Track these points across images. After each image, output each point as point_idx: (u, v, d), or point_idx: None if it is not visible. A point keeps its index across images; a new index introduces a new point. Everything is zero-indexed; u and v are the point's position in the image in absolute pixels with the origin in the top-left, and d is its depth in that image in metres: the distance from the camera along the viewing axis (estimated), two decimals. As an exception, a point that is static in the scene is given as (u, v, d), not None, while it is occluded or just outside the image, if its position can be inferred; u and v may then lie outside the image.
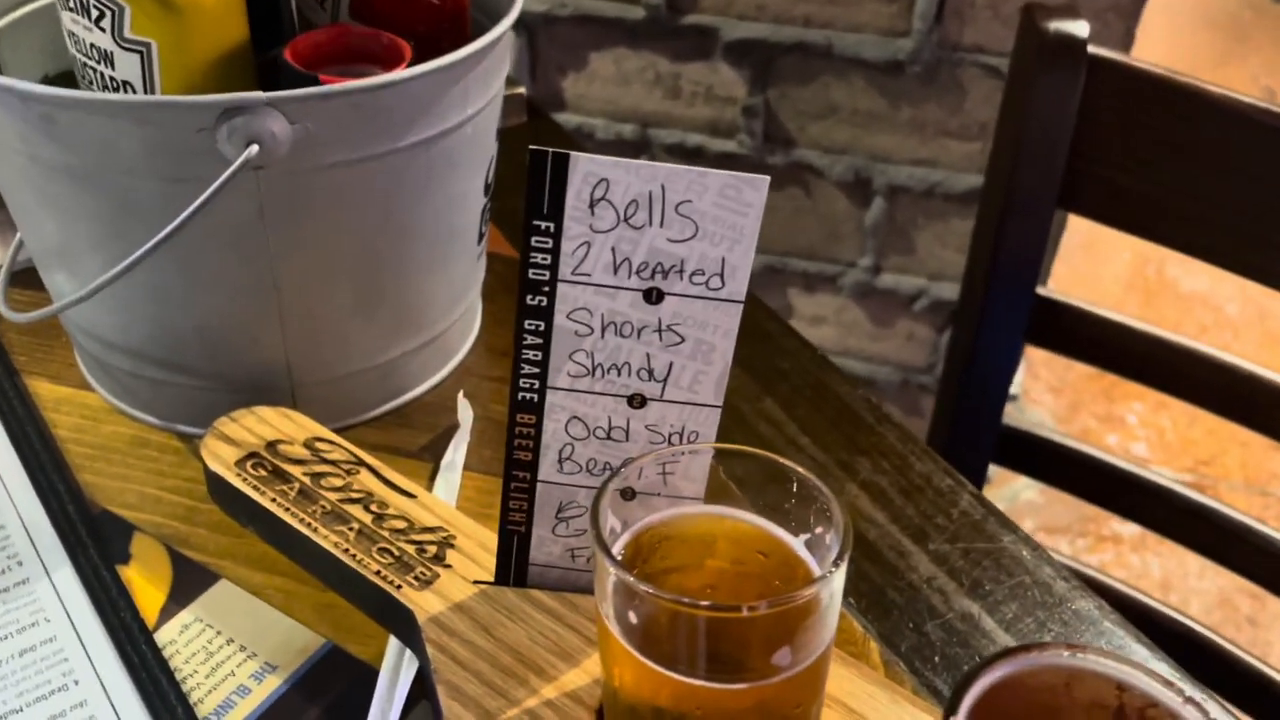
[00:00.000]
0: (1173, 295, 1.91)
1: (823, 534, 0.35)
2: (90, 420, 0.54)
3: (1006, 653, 0.30)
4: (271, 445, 0.46)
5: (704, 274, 0.35)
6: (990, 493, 1.53)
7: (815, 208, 1.22)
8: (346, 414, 0.54)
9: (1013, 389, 0.86)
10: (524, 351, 0.37)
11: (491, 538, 0.43)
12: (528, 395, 0.38)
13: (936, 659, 0.45)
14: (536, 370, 0.37)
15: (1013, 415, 0.80)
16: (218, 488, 0.46)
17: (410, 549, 0.42)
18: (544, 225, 0.35)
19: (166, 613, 0.45)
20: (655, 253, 0.35)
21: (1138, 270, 1.95)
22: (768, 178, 0.34)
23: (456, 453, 0.52)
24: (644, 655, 0.33)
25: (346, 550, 0.42)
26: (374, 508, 0.44)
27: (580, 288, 0.36)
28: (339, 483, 0.45)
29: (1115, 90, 0.69)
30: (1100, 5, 1.05)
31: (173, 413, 0.53)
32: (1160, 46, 2.44)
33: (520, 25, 1.19)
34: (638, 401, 0.38)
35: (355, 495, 0.44)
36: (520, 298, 0.36)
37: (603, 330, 0.36)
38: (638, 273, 0.35)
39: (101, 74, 0.48)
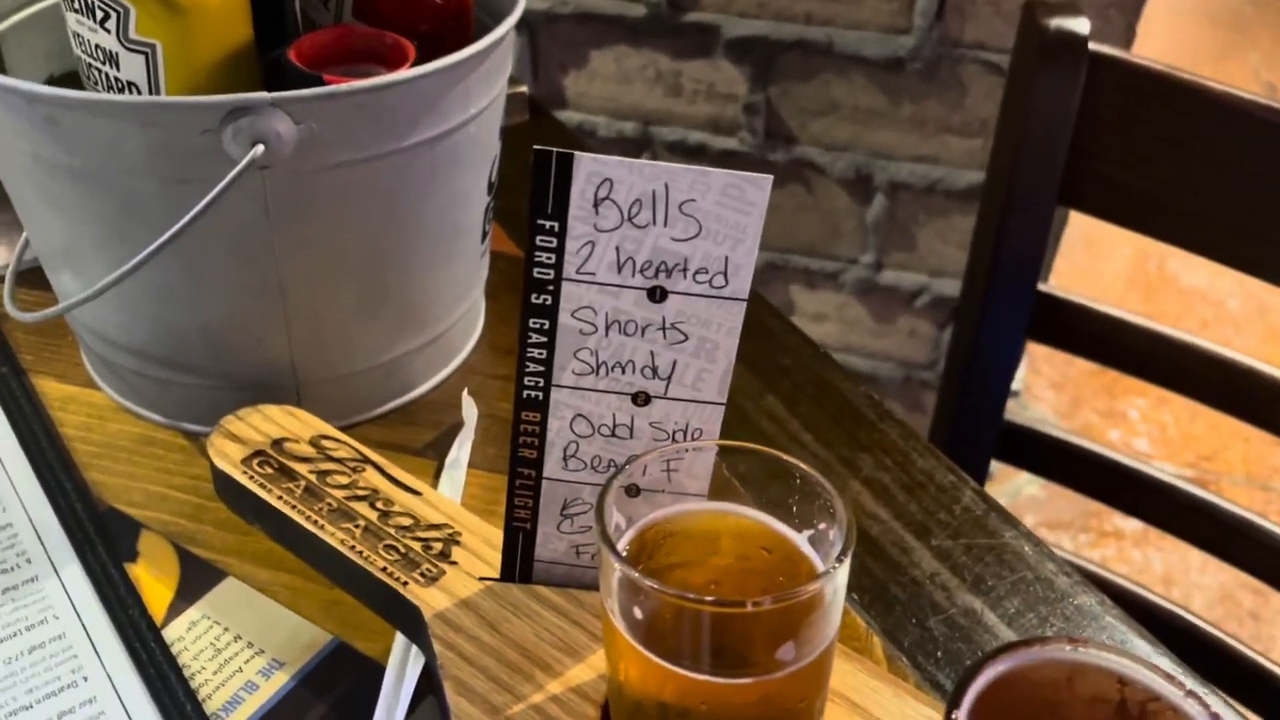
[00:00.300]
0: (1174, 291, 1.91)
1: (826, 530, 0.35)
2: (97, 419, 0.54)
3: (1009, 647, 0.31)
4: (278, 443, 0.47)
5: (707, 272, 0.36)
6: (992, 489, 1.53)
7: (816, 205, 1.22)
8: (351, 412, 0.54)
9: (1014, 385, 0.86)
10: (529, 350, 0.37)
11: (496, 534, 0.43)
12: (533, 393, 0.38)
13: (939, 654, 0.45)
14: (541, 368, 0.37)
15: (1014, 411, 0.81)
16: (224, 485, 0.46)
17: (416, 546, 0.43)
18: (548, 224, 0.35)
19: (174, 610, 0.45)
20: (659, 251, 0.35)
21: (1138, 266, 1.95)
22: (770, 177, 0.35)
23: (461, 450, 0.52)
24: (649, 650, 0.33)
25: (353, 547, 0.42)
26: (380, 505, 0.44)
27: (584, 286, 0.36)
28: (345, 480, 0.45)
29: (1116, 87, 0.69)
30: (1102, 1, 1.05)
31: (179, 411, 0.53)
32: (1161, 41, 2.44)
33: (521, 23, 1.19)
34: (642, 399, 0.38)
35: (361, 492, 0.45)
36: (525, 296, 0.36)
37: (607, 328, 0.37)
38: (641, 271, 0.36)
39: (106, 75, 0.48)
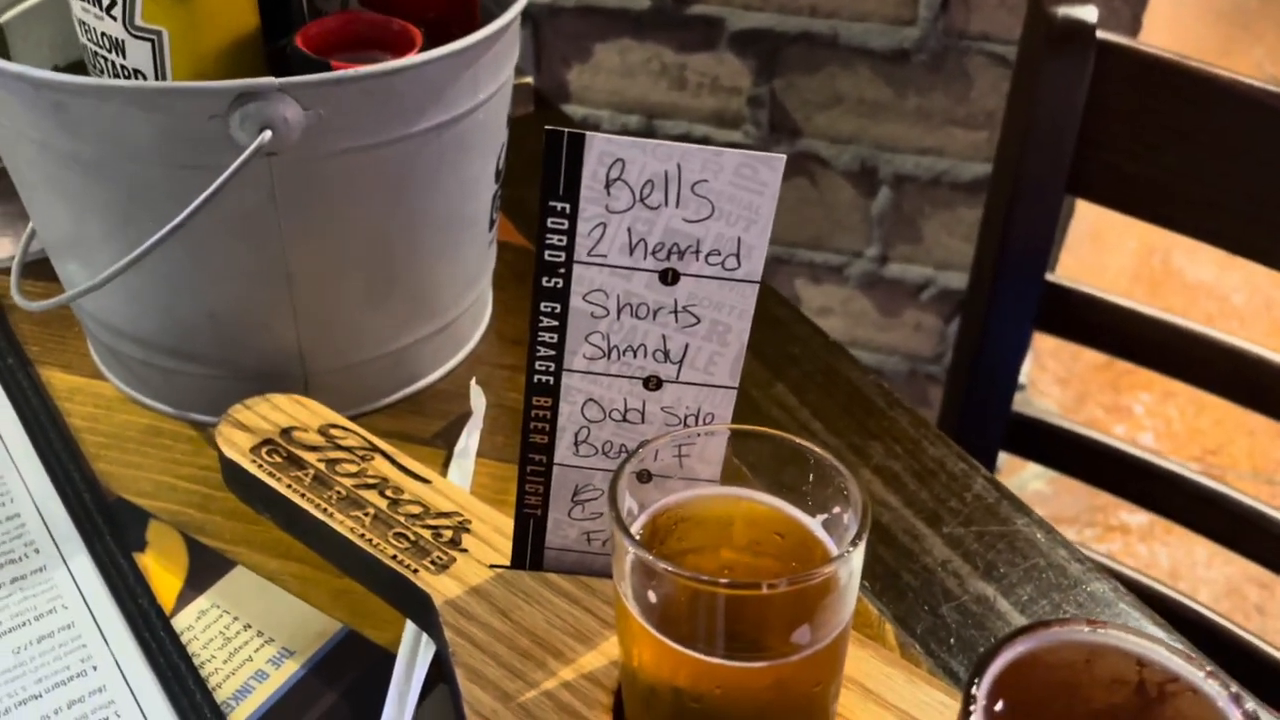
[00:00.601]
0: (1179, 285, 1.91)
1: (840, 514, 0.35)
2: (104, 409, 0.54)
3: (1027, 629, 0.30)
4: (286, 432, 0.46)
5: (720, 254, 0.35)
6: (997, 483, 1.53)
7: (822, 198, 1.22)
8: (359, 401, 0.54)
9: (1020, 379, 0.86)
10: (540, 334, 0.37)
11: (507, 522, 0.43)
12: (543, 378, 0.38)
13: (952, 641, 0.45)
14: (552, 353, 0.37)
15: (1020, 406, 0.80)
16: (233, 474, 0.46)
17: (426, 534, 0.42)
18: (560, 206, 0.35)
19: (183, 599, 0.45)
20: (671, 233, 0.35)
21: (1143, 260, 1.95)
22: (783, 156, 0.34)
23: (470, 439, 0.52)
24: (663, 634, 0.33)
25: (362, 535, 0.42)
26: (389, 493, 0.44)
27: (596, 269, 0.36)
28: (354, 469, 0.45)
29: (1124, 76, 0.69)
30: (1107, -8, 1.05)
31: (186, 401, 0.53)
32: (1165, 35, 2.43)
33: (525, 17, 1.18)
34: (653, 383, 0.38)
35: (370, 481, 0.44)
36: (536, 280, 0.36)
37: (619, 312, 0.36)
38: (654, 253, 0.35)
39: (113, 63, 0.48)
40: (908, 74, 1.12)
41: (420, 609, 0.41)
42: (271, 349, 0.51)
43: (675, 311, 0.36)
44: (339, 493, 0.44)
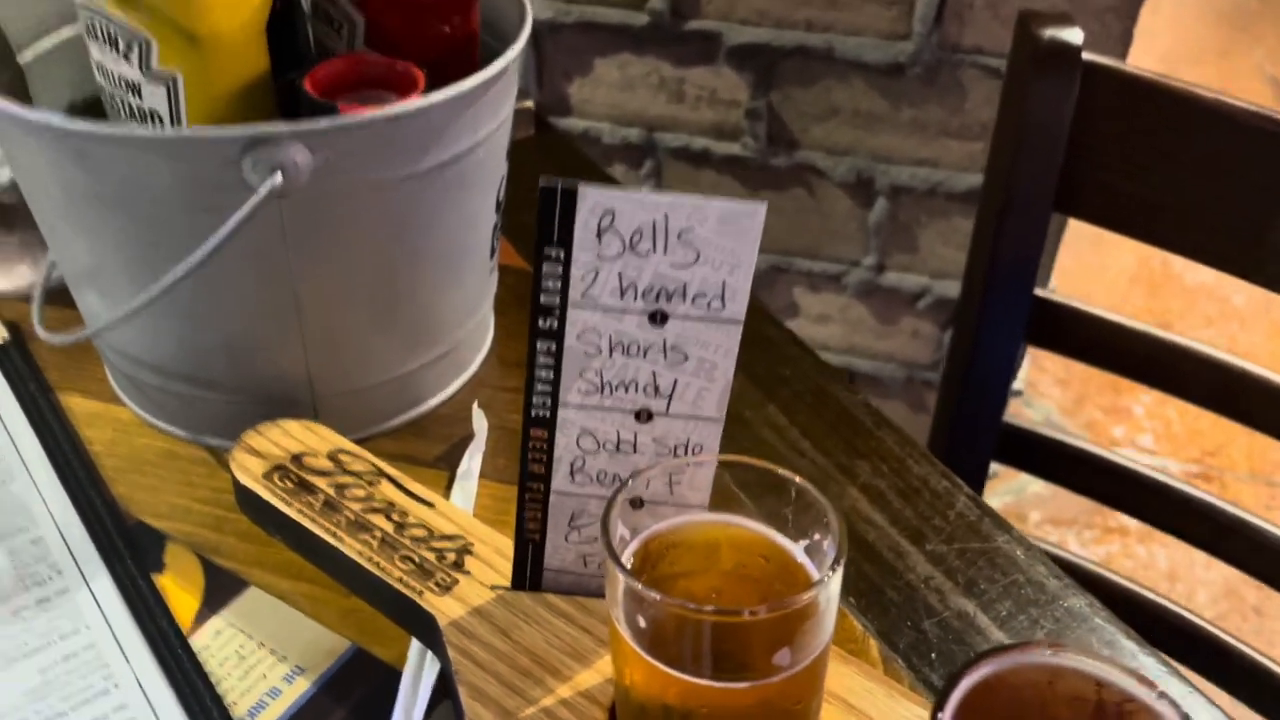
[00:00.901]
0: (1178, 287, 1.92)
1: (820, 540, 0.37)
2: (122, 434, 0.56)
3: (991, 652, 0.32)
4: (297, 458, 0.49)
5: (706, 296, 0.37)
6: (997, 486, 1.55)
7: (819, 208, 1.23)
8: (366, 425, 0.56)
9: (1018, 383, 0.88)
10: (537, 371, 0.39)
11: (507, 544, 0.45)
12: (541, 412, 0.40)
13: (933, 655, 0.47)
14: (548, 388, 0.39)
15: (1019, 409, 0.82)
16: (247, 500, 0.48)
17: (431, 556, 0.45)
18: (554, 253, 0.37)
19: (200, 618, 0.47)
20: (660, 278, 0.37)
21: (1143, 262, 1.96)
22: (764, 204, 0.36)
23: (472, 461, 0.54)
24: (653, 657, 0.35)
25: (370, 558, 0.44)
26: (395, 517, 0.46)
27: (589, 311, 0.38)
28: (362, 493, 0.47)
29: (1110, 95, 0.70)
30: (1099, 6, 1.06)
31: (201, 425, 0.55)
32: (1165, 38, 2.45)
33: (527, 33, 1.20)
34: (645, 416, 0.40)
35: (377, 505, 0.47)
36: (532, 321, 0.38)
37: (611, 350, 0.38)
38: (643, 296, 0.37)
39: (129, 103, 0.50)
40: (903, 87, 1.14)
41: (425, 629, 0.43)
42: (282, 375, 0.53)
43: (664, 350, 0.38)
44: (348, 517, 0.46)
